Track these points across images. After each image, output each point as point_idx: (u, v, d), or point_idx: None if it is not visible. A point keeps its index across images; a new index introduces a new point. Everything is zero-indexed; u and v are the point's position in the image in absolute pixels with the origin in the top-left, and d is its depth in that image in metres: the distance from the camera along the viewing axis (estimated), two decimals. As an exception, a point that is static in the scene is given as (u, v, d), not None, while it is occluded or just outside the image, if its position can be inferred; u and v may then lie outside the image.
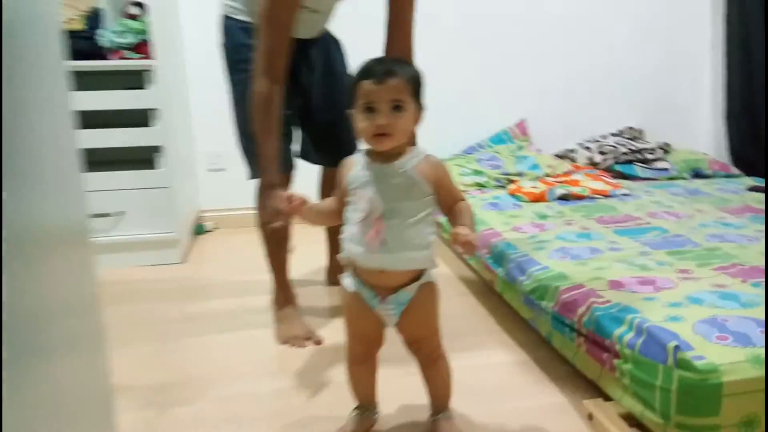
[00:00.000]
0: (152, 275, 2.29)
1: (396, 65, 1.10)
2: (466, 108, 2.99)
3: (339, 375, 1.47)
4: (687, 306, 1.32)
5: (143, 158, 2.36)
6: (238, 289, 2.14)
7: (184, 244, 2.50)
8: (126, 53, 2.26)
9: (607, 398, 1.33)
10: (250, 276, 2.21)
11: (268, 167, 1.50)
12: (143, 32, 2.25)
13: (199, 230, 2.82)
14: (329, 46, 1.82)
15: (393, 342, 1.24)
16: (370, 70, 1.09)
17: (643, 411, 1.20)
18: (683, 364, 1.12)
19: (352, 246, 1.15)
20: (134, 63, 2.24)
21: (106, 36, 2.24)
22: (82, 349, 0.97)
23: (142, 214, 2.36)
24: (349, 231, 1.15)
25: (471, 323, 1.82)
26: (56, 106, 0.93)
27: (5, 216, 0.65)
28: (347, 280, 1.20)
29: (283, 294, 1.80)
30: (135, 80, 2.27)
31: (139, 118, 2.30)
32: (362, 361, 1.26)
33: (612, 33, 3.06)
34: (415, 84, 1.10)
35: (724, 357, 1.11)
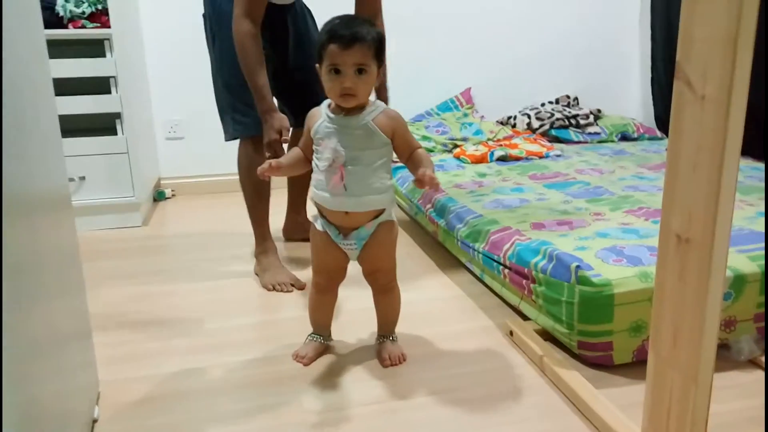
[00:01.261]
0: (116, 236, 2.40)
1: (361, 28, 1.20)
2: (415, 78, 3.15)
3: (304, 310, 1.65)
4: (594, 239, 1.54)
5: (104, 126, 2.45)
6: (201, 246, 2.28)
7: (145, 208, 2.62)
8: (85, 23, 2.33)
9: (525, 319, 1.54)
10: (211, 236, 2.37)
11: (264, 95, 1.65)
12: (100, 1, 2.33)
13: (159, 196, 2.93)
14: (303, 12, 1.96)
15: (349, 277, 1.42)
16: (337, 33, 1.19)
17: (554, 325, 1.42)
18: (583, 281, 1.33)
19: (319, 192, 1.30)
20: (92, 32, 2.32)
21: (63, 6, 2.31)
22: (66, 293, 1.10)
23: (103, 179, 2.45)
24: (316, 178, 1.30)
25: (415, 268, 2.01)
26: (37, 73, 1.04)
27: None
28: (316, 221, 1.36)
29: (265, 244, 1.95)
30: (94, 49, 2.35)
31: (99, 87, 2.39)
32: (324, 291, 1.43)
33: (552, 10, 3.27)
34: (377, 46, 1.23)
35: (617, 274, 1.33)
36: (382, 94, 1.83)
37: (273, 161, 1.30)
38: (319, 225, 1.35)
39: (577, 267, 1.35)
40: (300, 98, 1.93)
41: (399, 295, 1.45)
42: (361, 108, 1.26)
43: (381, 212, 1.32)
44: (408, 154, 1.31)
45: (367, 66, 1.21)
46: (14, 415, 0.72)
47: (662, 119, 3.25)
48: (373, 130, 1.25)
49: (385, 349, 1.43)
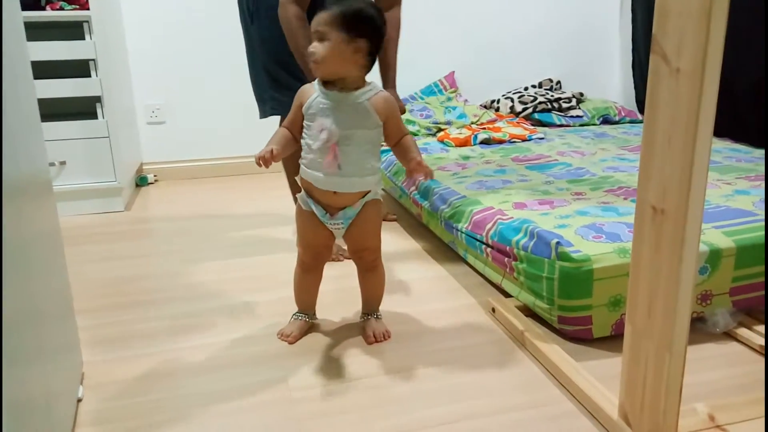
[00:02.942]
0: (98, 221, 2.39)
1: (337, 3, 1.23)
2: (399, 62, 3.14)
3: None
4: (574, 217, 1.56)
5: (85, 111, 2.42)
6: (183, 230, 2.27)
7: (127, 192, 2.60)
8: (63, 4, 2.30)
9: (507, 296, 1.57)
10: (193, 221, 2.36)
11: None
12: (77, -17, 2.30)
13: (142, 182, 2.91)
14: None
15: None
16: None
17: (534, 301, 1.44)
18: (563, 257, 1.35)
19: (310, 171, 1.29)
20: (71, 14, 2.29)
21: (39, -13, 2.28)
22: (49, 275, 1.09)
23: (84, 164, 2.43)
24: (308, 157, 1.29)
25: (400, 249, 2.03)
26: (15, 56, 1.02)
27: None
28: (302, 200, 1.36)
29: None
30: (73, 32, 2.32)
31: (79, 70, 2.36)
32: (310, 270, 1.43)
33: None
34: (342, 19, 1.22)
35: (596, 250, 1.35)
36: (389, 75, 1.99)
37: (274, 149, 1.27)
38: (304, 204, 1.36)
39: (557, 243, 1.37)
40: None
41: (384, 274, 1.46)
42: (356, 86, 1.27)
43: (367, 192, 1.34)
44: (397, 139, 1.33)
45: (325, 33, 1.22)
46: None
47: (643, 102, 3.27)
48: (369, 111, 1.26)
49: (369, 327, 1.44)
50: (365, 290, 1.47)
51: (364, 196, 1.33)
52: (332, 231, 1.36)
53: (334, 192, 1.30)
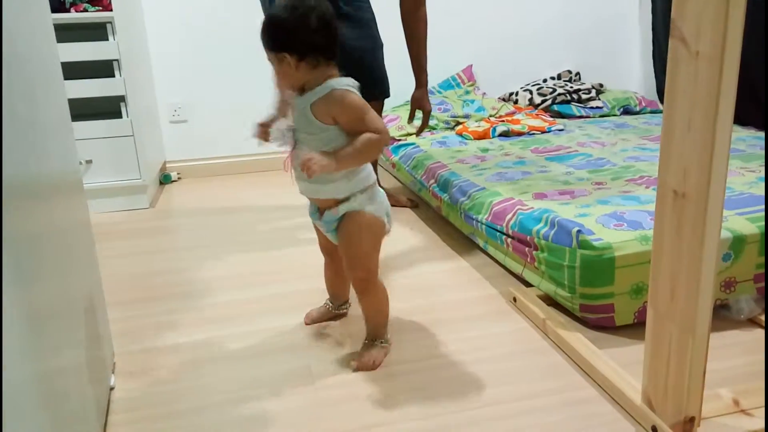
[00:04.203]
0: (123, 218, 2.44)
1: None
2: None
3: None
4: (595, 206, 1.56)
5: (109, 110, 2.47)
6: (207, 226, 2.31)
7: (151, 190, 2.65)
8: (87, 6, 2.35)
9: (528, 285, 1.57)
10: (217, 217, 2.40)
11: None
12: (100, -15, 2.34)
13: (165, 179, 2.96)
14: None
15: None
16: None
17: (556, 290, 1.44)
18: (584, 245, 1.35)
19: None
20: (94, 15, 2.33)
21: (64, -10, 2.33)
22: (81, 269, 1.13)
23: (110, 162, 2.48)
24: None
25: (420, 242, 2.04)
26: (47, 57, 1.05)
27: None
28: None
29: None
30: (97, 33, 2.37)
31: (102, 70, 2.41)
32: (329, 257, 1.44)
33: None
34: (266, 38, 1.15)
35: (617, 237, 1.35)
36: (418, 74, 2.15)
37: None
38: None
39: (578, 232, 1.37)
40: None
41: (377, 303, 1.32)
42: (310, 88, 1.17)
43: (345, 199, 1.23)
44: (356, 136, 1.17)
45: (271, 62, 1.17)
46: (35, 382, 0.74)
47: (664, 92, 3.25)
48: (309, 116, 1.17)
49: (361, 351, 1.33)
50: (362, 312, 1.35)
51: (341, 203, 1.23)
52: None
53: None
